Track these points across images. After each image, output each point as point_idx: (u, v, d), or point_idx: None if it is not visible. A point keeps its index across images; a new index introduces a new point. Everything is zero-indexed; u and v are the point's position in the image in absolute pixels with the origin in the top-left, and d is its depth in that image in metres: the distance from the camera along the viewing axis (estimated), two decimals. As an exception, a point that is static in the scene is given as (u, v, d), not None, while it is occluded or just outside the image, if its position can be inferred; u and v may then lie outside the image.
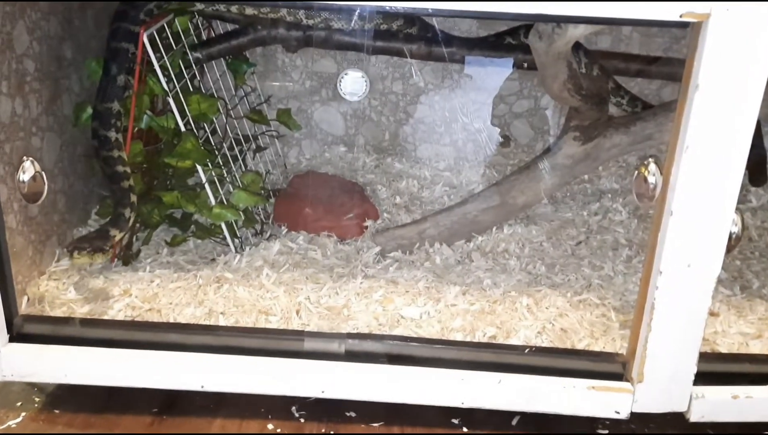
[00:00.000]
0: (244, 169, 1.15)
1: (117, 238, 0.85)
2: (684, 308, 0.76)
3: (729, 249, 0.75)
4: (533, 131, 1.36)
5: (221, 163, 1.02)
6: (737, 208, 0.73)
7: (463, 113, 1.35)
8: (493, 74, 1.31)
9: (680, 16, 0.66)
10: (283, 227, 1.09)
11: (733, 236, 0.75)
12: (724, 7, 0.65)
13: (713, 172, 0.70)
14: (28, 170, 0.75)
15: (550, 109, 1.34)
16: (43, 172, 0.76)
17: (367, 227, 1.10)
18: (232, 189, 1.02)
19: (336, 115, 1.35)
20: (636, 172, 0.75)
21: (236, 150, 1.13)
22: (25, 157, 0.75)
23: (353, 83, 1.30)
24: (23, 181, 0.75)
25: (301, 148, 1.36)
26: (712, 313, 0.91)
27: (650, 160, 0.74)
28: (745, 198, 1.19)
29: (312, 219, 1.09)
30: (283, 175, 1.29)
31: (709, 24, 0.66)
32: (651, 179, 0.74)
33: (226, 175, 1.02)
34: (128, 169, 0.89)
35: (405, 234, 1.06)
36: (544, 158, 1.06)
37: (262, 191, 1.10)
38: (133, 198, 0.88)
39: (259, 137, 1.23)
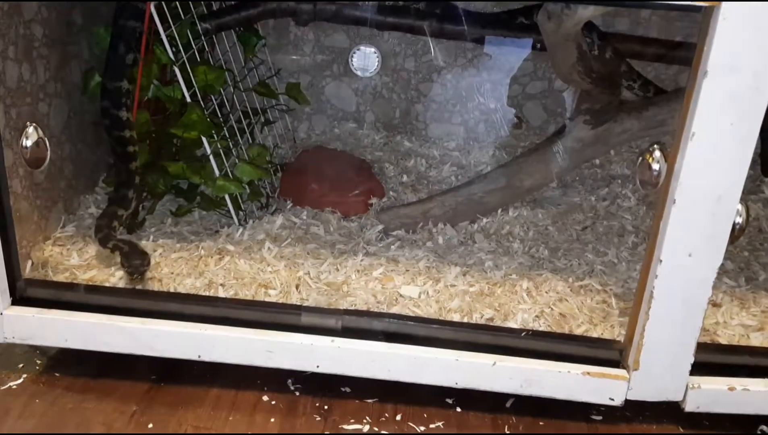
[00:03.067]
0: (251, 142, 1.15)
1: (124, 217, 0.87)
2: (683, 298, 0.75)
3: (733, 240, 0.74)
4: (546, 113, 1.34)
5: (227, 136, 1.01)
6: (743, 199, 0.72)
7: (477, 93, 1.34)
8: (508, 54, 1.29)
9: (691, 0, 0.64)
10: (288, 201, 1.09)
11: (738, 227, 0.74)
12: (738, -10, 0.63)
13: (719, 161, 0.69)
14: (31, 136, 0.76)
15: (565, 91, 1.33)
16: (46, 139, 0.76)
17: (372, 205, 1.10)
18: (238, 161, 1.02)
19: (347, 90, 1.34)
20: (640, 158, 0.74)
21: (244, 123, 1.13)
22: (28, 123, 0.76)
23: (365, 59, 1.30)
24: (26, 147, 0.76)
25: (311, 122, 1.35)
26: (714, 304, 0.91)
27: (655, 146, 0.73)
28: (758, 188, 1.17)
29: (317, 194, 1.09)
30: (292, 150, 1.28)
31: (721, 9, 0.64)
32: (655, 166, 0.73)
33: (232, 147, 1.02)
34: (136, 149, 0.90)
35: (409, 213, 1.05)
36: (553, 141, 1.05)
37: (269, 165, 1.09)
38: (137, 180, 0.90)
39: (268, 111, 1.23)
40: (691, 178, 0.70)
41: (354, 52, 1.29)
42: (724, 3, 0.64)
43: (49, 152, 0.77)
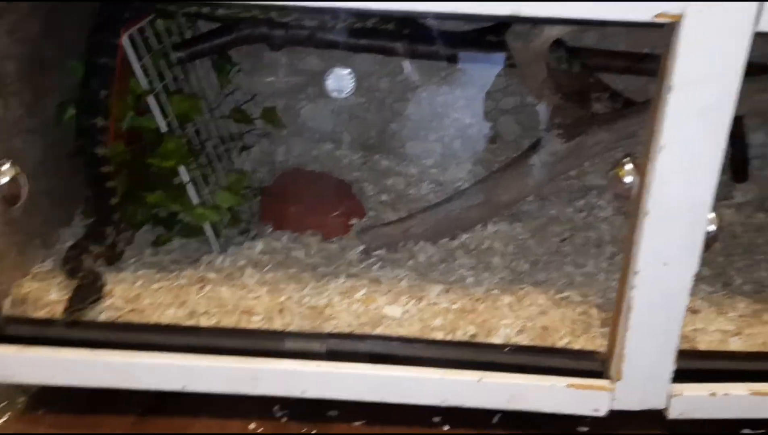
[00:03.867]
0: (229, 168, 1.15)
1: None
2: (661, 307, 0.76)
3: (707, 247, 0.76)
4: (520, 128, 1.36)
5: (205, 163, 1.02)
6: (715, 207, 0.74)
7: (452, 110, 1.35)
8: (481, 70, 1.31)
9: (654, 17, 0.66)
10: (268, 226, 1.09)
11: (710, 235, 0.75)
12: (698, 8, 0.65)
13: (689, 172, 0.71)
14: (7, 173, 0.75)
15: (538, 105, 1.34)
16: (22, 175, 0.76)
17: (352, 225, 1.10)
18: (217, 188, 1.02)
19: (323, 112, 1.35)
20: (613, 171, 0.75)
21: (221, 149, 1.13)
22: (4, 160, 0.75)
23: (340, 80, 1.30)
24: (2, 184, 0.75)
25: (288, 145, 1.35)
26: (692, 311, 0.92)
27: (627, 159, 0.74)
28: (730, 194, 1.20)
29: (297, 217, 1.09)
30: (271, 173, 1.28)
31: (683, 25, 0.66)
32: (627, 179, 0.75)
33: (210, 174, 1.02)
34: (116, 184, 0.90)
35: (390, 232, 1.06)
36: (528, 155, 1.06)
37: (247, 190, 1.10)
38: (117, 216, 0.90)
39: (244, 136, 1.23)
40: (663, 189, 0.72)
41: (328, 75, 1.30)
42: (685, 19, 0.65)
43: (25, 189, 0.77)
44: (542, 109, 1.15)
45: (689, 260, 0.74)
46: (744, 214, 1.15)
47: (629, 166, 0.74)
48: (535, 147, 1.06)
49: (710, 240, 0.75)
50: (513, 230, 1.09)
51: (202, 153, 1.02)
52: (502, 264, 1.01)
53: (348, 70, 1.29)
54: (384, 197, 1.20)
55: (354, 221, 1.11)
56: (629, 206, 0.76)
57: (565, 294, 0.94)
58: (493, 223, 1.10)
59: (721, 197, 1.19)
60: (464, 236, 1.07)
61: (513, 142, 1.36)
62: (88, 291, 0.86)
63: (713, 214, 0.74)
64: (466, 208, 1.07)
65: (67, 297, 0.84)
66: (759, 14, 0.65)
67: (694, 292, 0.92)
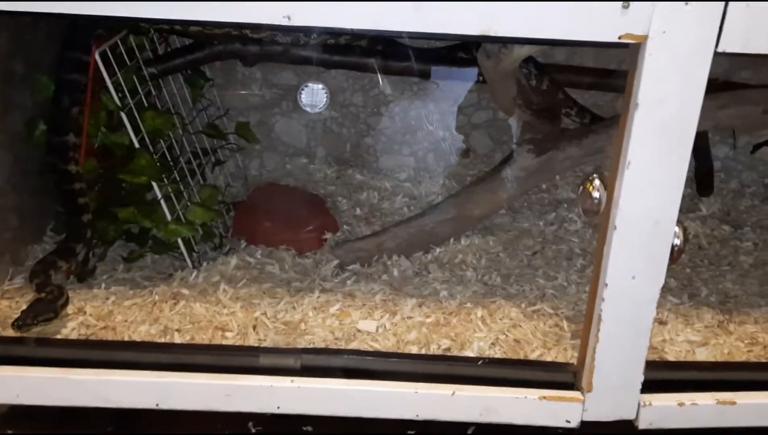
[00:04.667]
0: (203, 182, 1.15)
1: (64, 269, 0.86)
2: (630, 319, 0.78)
3: (673, 260, 0.77)
4: (492, 142, 1.38)
5: (178, 178, 1.01)
6: (681, 219, 0.76)
7: (425, 124, 1.36)
8: (453, 86, 1.33)
9: (619, 38, 0.68)
10: (242, 241, 1.09)
11: (676, 248, 0.77)
12: (661, 29, 0.67)
13: (654, 187, 0.72)
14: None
15: (510, 119, 1.36)
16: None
17: (326, 240, 1.11)
18: (189, 203, 1.02)
19: (297, 126, 1.35)
20: (581, 187, 0.77)
21: (194, 164, 1.13)
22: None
23: (313, 95, 1.31)
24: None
25: (262, 159, 1.36)
26: (660, 322, 0.94)
27: (595, 175, 0.76)
28: (696, 206, 1.23)
29: (271, 232, 1.09)
30: (244, 188, 1.28)
31: (647, 45, 0.68)
32: (595, 194, 0.76)
33: (183, 189, 1.02)
34: (87, 201, 0.90)
35: (363, 246, 1.07)
36: (499, 170, 1.08)
37: (221, 205, 1.10)
38: (89, 233, 0.89)
39: (218, 150, 1.23)
40: (630, 204, 0.73)
41: (302, 89, 1.31)
42: (650, 40, 0.67)
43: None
44: (513, 124, 1.17)
45: (656, 273, 0.76)
46: (709, 227, 1.18)
47: (597, 183, 0.75)
48: (506, 161, 1.07)
49: (677, 253, 0.77)
50: (486, 244, 1.11)
51: (175, 168, 1.02)
52: (475, 277, 1.02)
53: (321, 85, 1.30)
54: (358, 211, 1.21)
55: (328, 236, 1.11)
56: (598, 221, 0.78)
57: (537, 307, 0.96)
58: (466, 236, 1.11)
59: (687, 209, 1.22)
60: (437, 250, 1.08)
61: (485, 155, 1.38)
62: (44, 307, 0.84)
63: (678, 228, 0.76)
64: (438, 223, 1.09)
65: (21, 309, 0.83)
66: (719, 36, 0.67)
67: (661, 304, 0.95)
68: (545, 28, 0.68)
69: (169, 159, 1.01)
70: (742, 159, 1.37)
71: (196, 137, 1.16)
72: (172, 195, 0.98)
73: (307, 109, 1.32)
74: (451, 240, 1.09)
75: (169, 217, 0.97)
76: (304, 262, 1.05)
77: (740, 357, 0.90)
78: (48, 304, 0.84)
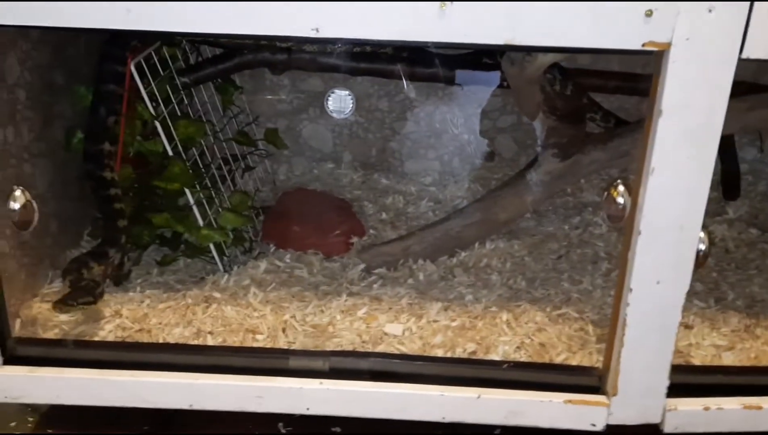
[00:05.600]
0: (233, 188, 1.17)
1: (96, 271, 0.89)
2: (655, 324, 0.79)
3: (698, 265, 0.78)
4: (517, 145, 1.39)
5: (210, 184, 1.04)
6: (704, 226, 0.76)
7: (450, 128, 1.38)
8: (478, 90, 1.34)
9: (642, 45, 0.69)
10: (271, 245, 1.12)
11: (701, 253, 0.78)
12: (684, 36, 0.68)
13: (679, 193, 0.73)
14: (18, 199, 0.78)
15: (535, 122, 1.37)
16: (33, 201, 0.79)
17: (353, 244, 1.12)
18: (221, 209, 1.05)
19: (324, 132, 1.38)
20: (606, 193, 0.78)
21: (225, 170, 1.16)
22: (15, 186, 0.78)
23: (340, 101, 1.34)
24: (14, 210, 0.78)
25: (290, 164, 1.38)
26: (686, 326, 0.94)
27: (619, 181, 0.77)
28: (723, 210, 1.22)
29: (299, 237, 1.11)
30: (273, 192, 1.31)
31: (671, 52, 0.68)
32: (620, 200, 0.77)
33: (214, 195, 1.05)
34: (123, 206, 0.93)
35: (390, 250, 1.08)
36: (524, 174, 1.09)
37: (250, 210, 1.12)
38: (123, 238, 0.92)
39: (248, 156, 1.26)
40: (654, 210, 0.74)
41: (329, 95, 1.33)
42: (673, 47, 0.68)
43: (36, 214, 0.79)
44: (538, 127, 1.18)
45: (681, 278, 0.77)
46: (736, 230, 1.17)
47: (621, 188, 0.76)
48: (531, 166, 1.08)
49: (702, 258, 0.77)
50: (510, 247, 1.12)
51: (206, 175, 1.05)
52: (500, 281, 1.03)
53: (347, 91, 1.33)
54: (384, 215, 1.22)
55: (354, 240, 1.13)
56: (623, 226, 0.78)
57: (562, 310, 0.96)
58: (491, 240, 1.12)
59: (714, 213, 1.22)
60: (463, 254, 1.09)
61: (510, 159, 1.39)
62: (84, 292, 0.86)
63: (703, 234, 0.76)
64: (464, 227, 1.10)
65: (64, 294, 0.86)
66: (743, 42, 0.68)
67: (687, 308, 0.95)
68: (568, 37, 0.69)
69: (201, 165, 1.04)
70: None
71: (226, 144, 1.18)
72: (204, 201, 1.01)
73: (334, 114, 1.35)
74: (477, 244, 1.11)
75: (201, 222, 1.00)
76: (331, 265, 1.07)
77: (767, 361, 0.89)
78: (88, 291, 0.87)
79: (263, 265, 1.04)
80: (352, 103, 1.33)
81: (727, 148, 1.16)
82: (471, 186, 1.32)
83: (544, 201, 1.15)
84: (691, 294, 1.00)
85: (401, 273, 1.05)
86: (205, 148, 1.08)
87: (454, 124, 1.37)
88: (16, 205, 0.78)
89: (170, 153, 0.95)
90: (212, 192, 1.04)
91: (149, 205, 1.02)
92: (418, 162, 1.38)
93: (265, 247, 1.12)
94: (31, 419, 0.87)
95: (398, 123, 1.37)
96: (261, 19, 0.69)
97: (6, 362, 0.83)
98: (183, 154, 0.98)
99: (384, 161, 1.39)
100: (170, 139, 0.97)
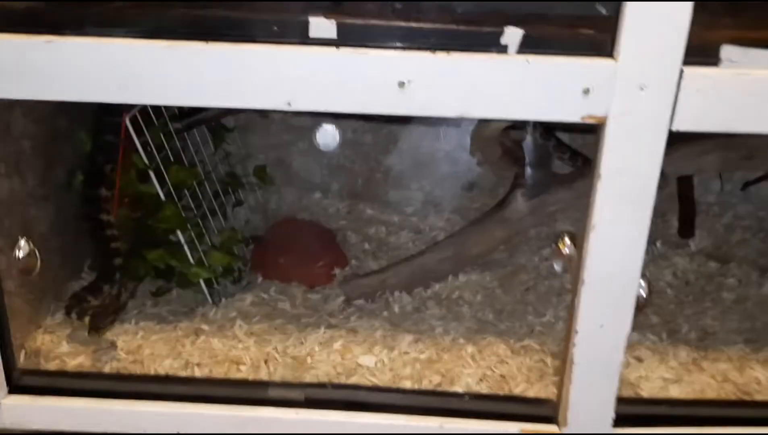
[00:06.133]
0: (224, 221, 1.26)
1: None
2: (599, 363, 0.86)
3: (639, 309, 0.85)
4: (494, 177, 1.46)
5: (201, 223, 1.12)
6: (644, 274, 0.84)
7: (432, 159, 1.45)
8: (458, 125, 1.41)
9: (581, 118, 0.76)
10: (258, 275, 1.20)
11: (642, 299, 0.85)
12: (619, 111, 0.75)
13: (618, 247, 0.81)
14: (23, 248, 0.86)
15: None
16: (36, 250, 0.87)
17: (335, 275, 1.20)
18: (211, 243, 1.13)
19: (313, 164, 1.46)
20: (554, 244, 0.85)
21: (215, 204, 1.24)
22: (20, 237, 0.86)
23: (327, 135, 1.41)
24: (19, 258, 0.86)
25: (281, 194, 1.46)
26: (637, 359, 1.01)
27: (565, 235, 0.84)
28: (685, 242, 1.29)
29: (284, 269, 1.19)
30: (264, 220, 1.39)
31: (608, 125, 0.76)
32: (566, 251, 0.85)
33: (204, 232, 1.13)
34: (119, 246, 1.01)
35: (368, 283, 1.16)
36: (494, 213, 1.16)
37: (240, 244, 1.20)
38: (118, 276, 1.01)
39: (239, 190, 1.34)
40: (596, 261, 0.81)
41: (317, 130, 1.40)
42: (609, 120, 0.76)
43: (38, 261, 0.88)
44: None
45: (622, 322, 0.84)
46: (696, 263, 1.25)
47: (567, 241, 0.84)
48: (500, 205, 1.16)
49: (642, 303, 0.85)
50: (483, 279, 1.19)
51: (197, 214, 1.13)
52: (470, 313, 1.11)
53: (333, 126, 1.40)
54: (366, 246, 1.30)
55: (337, 271, 1.21)
56: (571, 273, 0.86)
57: (525, 343, 1.04)
58: (465, 273, 1.20)
59: (677, 246, 1.29)
60: (437, 286, 1.17)
61: (489, 189, 1.46)
62: (108, 313, 1.00)
63: (643, 282, 0.84)
64: (438, 261, 1.18)
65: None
66: (672, 116, 0.75)
67: (640, 342, 1.04)
68: (516, 110, 0.77)
69: (192, 207, 1.12)
70: (737, 192, 1.43)
71: (218, 181, 1.27)
72: (195, 238, 1.09)
73: (322, 147, 1.42)
74: (450, 276, 1.18)
75: (192, 259, 1.08)
76: (313, 297, 1.15)
77: (711, 394, 0.97)
78: (110, 311, 1.00)
79: (249, 297, 1.12)
80: (339, 137, 1.41)
81: (685, 190, 1.23)
82: (450, 216, 1.40)
83: (513, 237, 1.22)
84: (646, 327, 1.08)
85: (378, 305, 1.13)
86: (196, 187, 1.16)
87: (435, 157, 1.44)
88: (20, 254, 0.86)
89: (163, 198, 1.03)
90: (203, 229, 1.12)
91: (145, 241, 1.10)
92: (401, 192, 1.46)
93: (253, 276, 1.20)
94: (33, 444, 0.96)
95: (383, 155, 1.45)
96: (242, 94, 0.76)
97: (11, 392, 0.92)
98: (175, 197, 1.06)
99: (369, 191, 1.46)
100: (164, 182, 1.05)
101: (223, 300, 1.11)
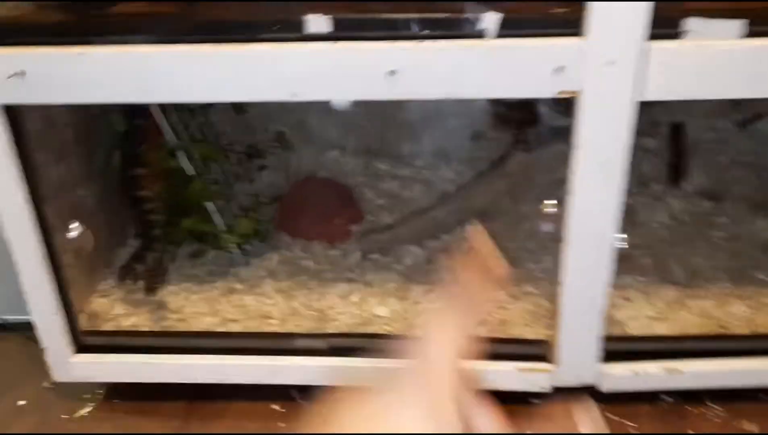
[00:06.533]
0: (250, 183, 1.37)
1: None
2: (585, 307, 0.97)
3: (622, 258, 0.95)
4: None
5: (227, 190, 1.24)
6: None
7: (440, 114, 1.53)
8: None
9: (558, 93, 0.84)
10: (283, 234, 1.32)
11: (622, 249, 0.94)
12: (591, 85, 0.82)
13: (595, 209, 0.90)
14: (75, 230, 0.99)
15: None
16: (88, 230, 1.00)
17: (352, 231, 1.32)
18: (239, 205, 1.25)
19: (329, 122, 1.55)
20: (540, 206, 0.95)
21: (241, 169, 1.35)
22: (71, 220, 0.99)
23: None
24: (72, 239, 0.99)
25: (301, 154, 1.56)
26: (626, 299, 1.11)
27: (545, 201, 0.94)
28: (682, 184, 1.36)
29: (306, 227, 1.30)
30: (286, 179, 1.49)
31: (581, 99, 0.84)
32: (551, 210, 0.95)
33: (232, 198, 1.25)
34: (157, 218, 1.14)
35: (383, 238, 1.27)
36: (497, 166, 1.25)
37: (262, 210, 1.31)
38: (159, 244, 1.14)
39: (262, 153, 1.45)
40: (577, 222, 0.91)
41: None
42: (583, 94, 0.83)
43: (91, 241, 1.01)
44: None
45: (602, 274, 0.94)
46: (692, 203, 1.32)
47: (551, 203, 0.93)
48: (502, 159, 1.25)
49: (623, 252, 0.94)
50: (488, 229, 1.28)
51: (224, 182, 1.24)
52: (475, 263, 1.21)
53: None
54: (380, 201, 1.40)
55: (354, 227, 1.32)
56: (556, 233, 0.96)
57: (524, 288, 1.15)
58: (471, 223, 1.29)
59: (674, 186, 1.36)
60: (445, 237, 1.27)
61: (495, 138, 1.54)
62: (154, 278, 1.14)
63: (622, 235, 0.93)
64: (447, 214, 1.28)
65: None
66: (641, 89, 0.82)
67: (629, 284, 1.13)
68: (498, 90, 0.85)
69: (219, 175, 1.23)
70: (736, 131, 1.47)
71: (241, 144, 1.37)
72: (223, 206, 1.21)
73: (337, 106, 1.51)
74: (458, 228, 1.28)
75: (221, 224, 1.20)
76: (333, 253, 1.26)
77: (693, 330, 1.07)
78: (158, 273, 1.14)
79: (276, 256, 1.24)
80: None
81: (675, 136, 1.30)
82: (458, 167, 1.48)
83: (515, 188, 1.31)
84: (637, 269, 1.17)
85: (392, 258, 1.24)
86: (221, 159, 1.26)
87: (443, 111, 1.52)
88: (73, 235, 0.99)
89: (191, 173, 1.15)
90: (230, 196, 1.24)
91: (180, 211, 1.23)
92: (413, 146, 1.54)
93: (279, 235, 1.32)
94: (99, 391, 1.12)
95: (395, 111, 1.53)
96: (251, 88, 0.86)
97: (78, 351, 1.07)
98: (203, 171, 1.17)
99: (383, 147, 1.55)
100: (191, 158, 1.16)
101: (253, 260, 1.24)
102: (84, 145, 1.14)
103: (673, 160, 1.28)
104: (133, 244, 1.29)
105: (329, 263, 1.24)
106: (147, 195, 1.14)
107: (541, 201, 1.34)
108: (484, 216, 1.31)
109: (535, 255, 1.22)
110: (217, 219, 1.19)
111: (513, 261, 1.21)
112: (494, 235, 1.26)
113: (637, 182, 1.38)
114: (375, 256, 1.25)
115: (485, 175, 1.27)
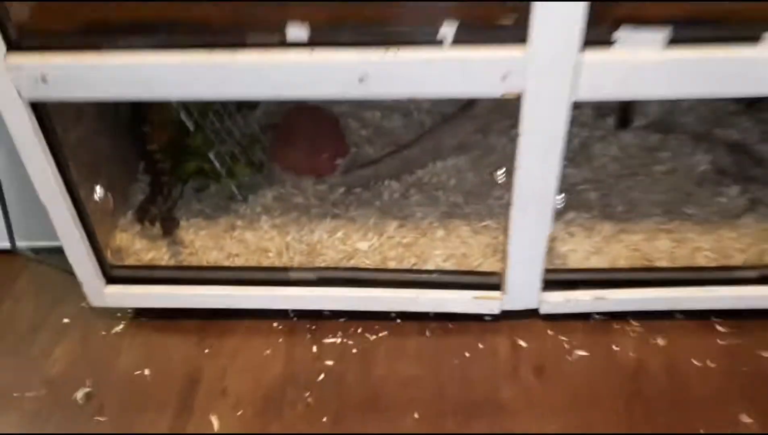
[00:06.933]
0: (243, 122, 1.51)
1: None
2: (527, 249, 1.16)
3: (559, 214, 1.14)
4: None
5: (225, 135, 1.39)
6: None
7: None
8: None
9: (502, 95, 0.98)
10: (276, 166, 1.48)
11: (560, 207, 1.12)
12: (532, 86, 0.96)
13: (536, 180, 1.07)
14: (99, 193, 1.16)
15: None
16: (109, 193, 1.17)
17: (338, 165, 1.48)
18: (236, 143, 1.41)
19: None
20: (492, 175, 1.11)
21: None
22: (95, 185, 1.16)
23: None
24: (98, 201, 1.17)
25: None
26: (569, 234, 1.31)
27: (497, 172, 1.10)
28: (635, 118, 1.50)
29: (296, 161, 1.46)
30: (279, 106, 1.63)
31: (523, 97, 0.98)
32: (500, 180, 1.11)
33: (228, 142, 1.40)
34: (165, 166, 1.30)
35: (365, 173, 1.44)
36: (466, 108, 1.39)
37: (256, 148, 1.47)
38: (167, 190, 1.31)
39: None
40: (521, 190, 1.08)
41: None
42: (525, 94, 0.97)
43: (112, 202, 1.18)
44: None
45: (543, 227, 1.12)
46: (641, 137, 1.47)
47: (501, 173, 1.10)
48: (471, 103, 1.39)
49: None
50: (458, 163, 1.46)
51: (221, 126, 1.39)
52: (444, 198, 1.39)
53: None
54: (363, 132, 1.55)
55: (340, 161, 1.48)
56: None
57: (485, 223, 1.34)
58: (443, 159, 1.46)
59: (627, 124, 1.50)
60: (420, 173, 1.44)
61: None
62: (170, 220, 1.31)
63: (561, 195, 1.10)
64: (421, 152, 1.44)
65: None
66: (574, 90, 0.96)
67: (573, 220, 1.32)
68: (454, 90, 0.98)
69: (217, 128, 1.38)
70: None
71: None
72: (221, 153, 1.37)
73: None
74: (431, 163, 1.45)
75: (223, 171, 1.37)
76: (320, 188, 1.43)
77: (623, 262, 1.27)
78: (170, 217, 1.31)
79: (270, 193, 1.42)
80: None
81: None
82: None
83: (482, 126, 1.45)
84: (583, 204, 1.35)
85: (372, 193, 1.42)
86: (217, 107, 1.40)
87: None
88: (97, 197, 1.16)
89: (192, 129, 1.30)
90: (228, 143, 1.40)
91: (185, 159, 1.39)
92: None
93: (274, 168, 1.48)
94: (129, 312, 1.35)
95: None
96: (240, 88, 1.00)
97: (108, 283, 1.28)
98: (202, 123, 1.32)
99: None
100: (191, 114, 1.30)
101: (251, 197, 1.41)
102: (96, 106, 1.28)
103: (620, 108, 1.42)
104: (143, 180, 1.47)
105: (317, 198, 1.42)
106: (154, 149, 1.29)
107: (508, 132, 1.52)
108: (453, 151, 1.48)
109: (497, 189, 1.39)
110: (218, 165, 1.36)
111: (477, 196, 1.39)
112: (460, 169, 1.44)
113: (595, 115, 1.53)
114: (358, 190, 1.43)
115: (455, 117, 1.41)
